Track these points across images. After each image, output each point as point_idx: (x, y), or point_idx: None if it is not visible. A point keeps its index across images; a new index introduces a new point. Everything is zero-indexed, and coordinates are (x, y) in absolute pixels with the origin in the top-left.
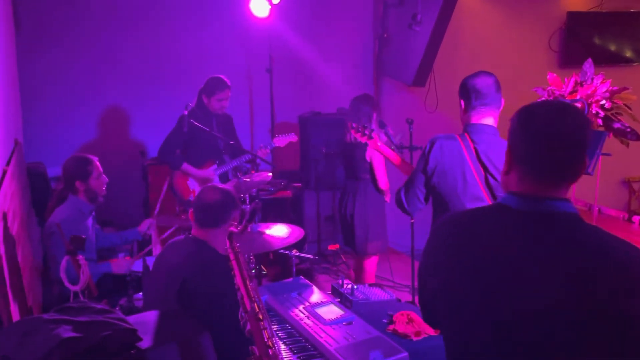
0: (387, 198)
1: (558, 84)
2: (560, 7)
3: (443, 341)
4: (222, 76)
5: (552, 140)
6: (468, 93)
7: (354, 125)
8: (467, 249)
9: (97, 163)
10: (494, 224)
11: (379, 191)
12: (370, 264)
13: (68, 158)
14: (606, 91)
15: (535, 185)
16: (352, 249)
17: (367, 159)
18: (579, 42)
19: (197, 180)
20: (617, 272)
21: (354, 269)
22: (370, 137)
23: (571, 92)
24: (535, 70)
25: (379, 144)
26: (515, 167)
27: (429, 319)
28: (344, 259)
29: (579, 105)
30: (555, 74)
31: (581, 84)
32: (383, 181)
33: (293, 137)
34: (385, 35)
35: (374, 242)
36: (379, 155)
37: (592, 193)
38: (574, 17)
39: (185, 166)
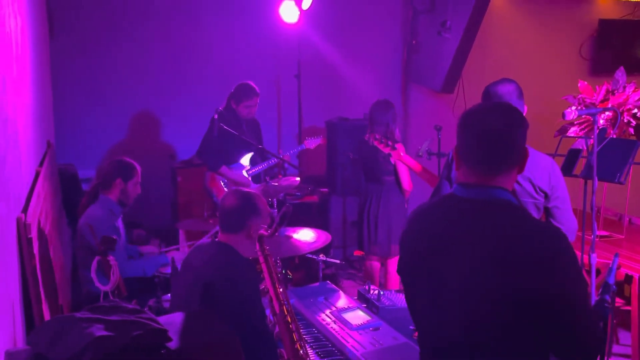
0: (406, 200)
1: (589, 92)
2: (592, 15)
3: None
4: (251, 82)
5: (481, 136)
6: (490, 99)
7: (377, 136)
8: (420, 234)
9: (139, 173)
10: (442, 211)
11: (403, 192)
12: (394, 266)
13: (114, 159)
14: (638, 100)
15: (475, 176)
16: (368, 250)
17: (392, 161)
18: (610, 50)
19: (232, 182)
20: (539, 253)
21: (382, 266)
22: (393, 148)
23: (602, 101)
24: (566, 78)
25: (401, 154)
26: (460, 163)
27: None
28: None
29: (610, 113)
30: (586, 82)
31: (613, 93)
32: (407, 182)
33: (322, 140)
34: (413, 42)
35: (397, 243)
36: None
37: (623, 203)
38: (605, 25)
39: (223, 169)
